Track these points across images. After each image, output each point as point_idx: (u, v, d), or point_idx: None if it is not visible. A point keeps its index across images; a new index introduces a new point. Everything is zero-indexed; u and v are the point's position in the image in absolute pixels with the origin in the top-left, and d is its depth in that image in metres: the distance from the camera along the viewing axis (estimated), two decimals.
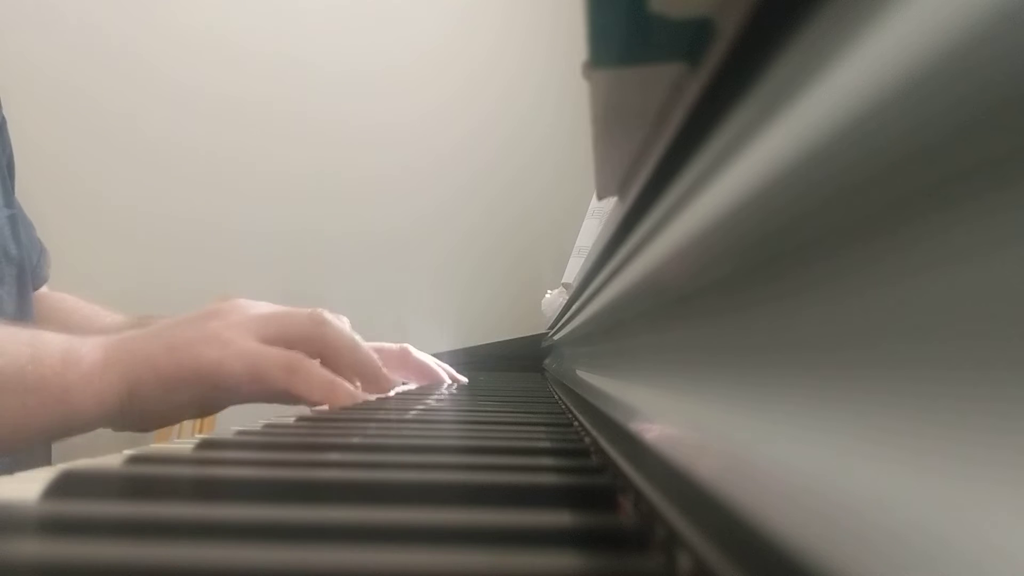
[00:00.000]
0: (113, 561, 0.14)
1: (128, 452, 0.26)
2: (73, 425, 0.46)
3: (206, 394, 0.48)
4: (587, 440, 0.34)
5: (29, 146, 0.76)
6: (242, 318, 0.50)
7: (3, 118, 0.72)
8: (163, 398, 0.47)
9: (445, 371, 0.74)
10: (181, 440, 0.31)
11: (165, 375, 0.47)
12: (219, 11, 1.69)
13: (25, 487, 0.21)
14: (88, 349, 0.47)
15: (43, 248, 0.77)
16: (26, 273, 0.68)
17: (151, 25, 1.68)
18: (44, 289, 0.78)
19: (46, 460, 0.55)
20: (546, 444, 0.33)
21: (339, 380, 0.50)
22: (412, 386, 0.75)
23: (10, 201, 0.68)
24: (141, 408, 0.47)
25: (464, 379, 0.77)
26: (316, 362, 0.50)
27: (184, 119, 1.67)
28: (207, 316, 0.50)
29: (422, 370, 0.70)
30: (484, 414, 0.48)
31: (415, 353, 0.70)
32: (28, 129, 0.77)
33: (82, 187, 1.64)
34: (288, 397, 0.49)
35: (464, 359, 0.77)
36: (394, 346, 0.69)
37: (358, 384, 0.53)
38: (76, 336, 0.48)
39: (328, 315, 0.52)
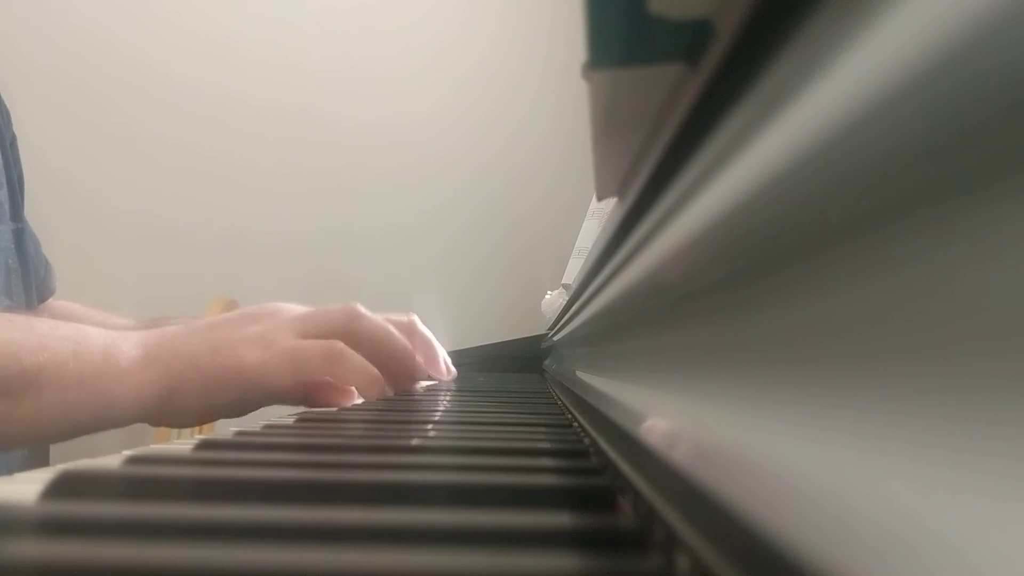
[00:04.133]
0: (112, 562, 0.14)
1: (127, 452, 0.26)
2: (111, 420, 0.47)
3: (247, 395, 0.49)
4: (586, 441, 0.34)
5: (31, 151, 0.77)
6: (280, 320, 0.51)
7: (13, 135, 0.72)
8: (204, 397, 0.48)
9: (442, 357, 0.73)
10: (181, 440, 0.31)
11: (208, 375, 0.48)
12: (225, 15, 1.69)
13: (24, 487, 0.21)
14: (129, 346, 0.48)
15: (48, 263, 0.78)
16: (31, 286, 0.68)
17: (155, 29, 1.67)
18: (52, 300, 0.79)
19: (44, 460, 0.55)
20: (545, 445, 0.33)
21: (378, 373, 0.51)
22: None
23: (18, 216, 0.69)
24: (181, 405, 0.48)
25: (454, 371, 0.76)
26: (355, 352, 0.51)
27: (186, 122, 1.67)
28: (247, 320, 0.51)
29: (425, 344, 0.69)
30: (484, 415, 0.48)
31: (420, 327, 0.69)
32: (29, 134, 0.77)
33: (88, 189, 1.64)
34: (323, 393, 0.50)
35: (464, 359, 0.76)
36: (402, 316, 0.68)
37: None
38: (117, 332, 0.49)
39: (362, 308, 0.53)
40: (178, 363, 0.48)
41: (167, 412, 0.48)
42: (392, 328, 0.54)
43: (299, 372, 0.49)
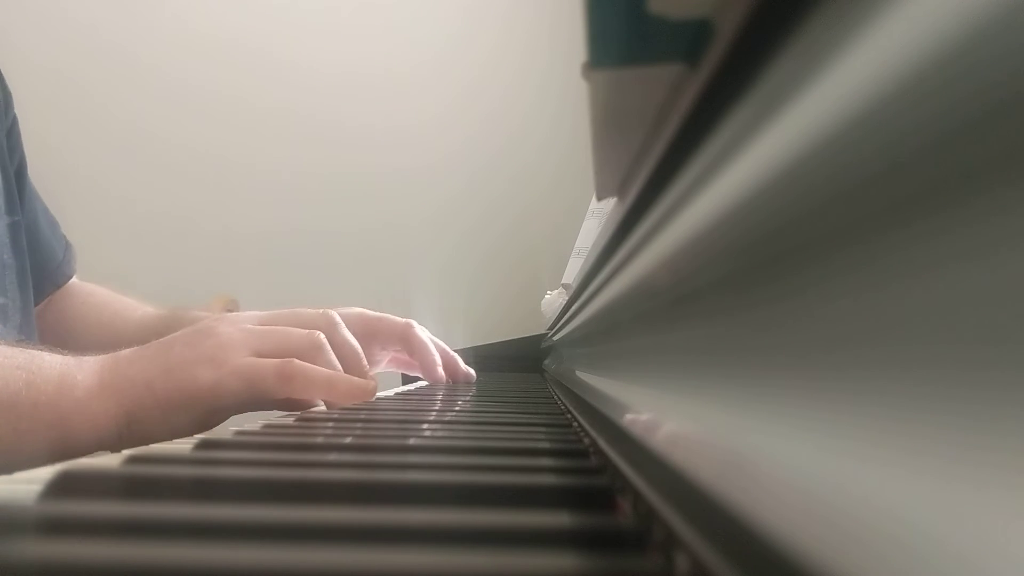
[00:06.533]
0: (112, 561, 0.14)
1: (127, 452, 0.26)
2: (68, 449, 0.46)
3: (206, 415, 0.48)
4: (586, 441, 0.34)
5: (35, 147, 0.76)
6: (237, 334, 0.49)
7: (15, 117, 0.70)
8: (163, 421, 0.47)
9: (450, 360, 0.70)
10: (181, 440, 0.31)
11: (163, 399, 0.47)
12: (228, 17, 1.69)
13: (24, 487, 0.21)
14: (84, 375, 0.47)
15: (68, 243, 0.76)
16: (27, 279, 0.67)
17: (159, 29, 1.68)
18: (75, 280, 0.77)
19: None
20: (545, 445, 0.33)
21: (336, 374, 0.49)
22: (413, 387, 0.74)
23: (14, 209, 0.67)
24: (141, 431, 0.46)
25: (472, 372, 0.73)
26: (308, 364, 0.49)
27: (189, 122, 1.67)
28: (202, 334, 0.49)
29: (421, 352, 0.65)
30: (484, 414, 0.48)
31: (418, 332, 0.66)
32: (32, 131, 0.76)
33: (89, 188, 1.64)
34: (290, 404, 0.49)
35: (464, 359, 0.76)
36: (399, 321, 0.65)
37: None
38: (73, 359, 0.48)
39: (323, 340, 0.51)
40: (134, 390, 0.47)
41: (127, 439, 0.47)
42: (342, 377, 0.51)
43: (253, 390, 0.47)
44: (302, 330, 0.51)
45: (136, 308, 0.74)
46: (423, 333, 0.67)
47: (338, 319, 0.54)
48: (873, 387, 0.11)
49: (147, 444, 0.47)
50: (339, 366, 0.52)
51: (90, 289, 0.77)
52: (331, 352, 0.51)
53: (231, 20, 1.69)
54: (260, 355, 0.49)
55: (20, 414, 0.44)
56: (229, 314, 0.53)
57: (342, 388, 0.49)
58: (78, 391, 0.46)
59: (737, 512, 0.13)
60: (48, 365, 0.46)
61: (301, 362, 0.48)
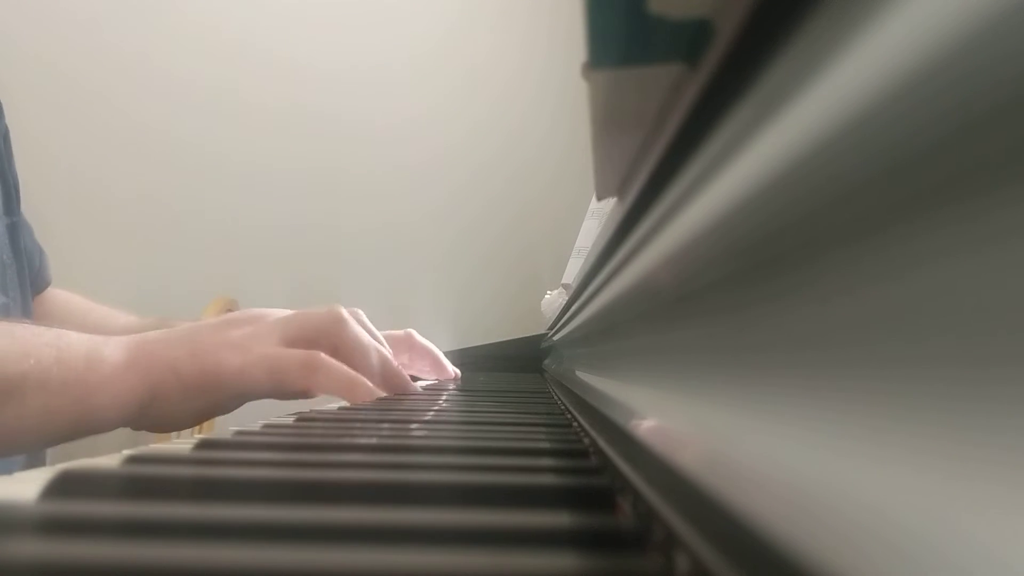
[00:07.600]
0: (112, 561, 0.14)
1: (127, 452, 0.26)
2: (93, 425, 0.47)
3: (225, 399, 0.49)
4: (586, 441, 0.34)
5: (32, 144, 0.76)
6: (262, 325, 0.51)
7: (6, 127, 0.71)
8: (183, 402, 0.48)
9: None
10: (180, 440, 0.31)
11: (187, 381, 0.48)
12: (225, 12, 1.69)
13: (24, 487, 0.21)
14: (110, 351, 0.47)
15: (42, 250, 0.77)
16: (26, 281, 0.68)
17: (157, 24, 1.68)
18: (50, 289, 0.78)
19: (42, 460, 0.55)
20: (545, 445, 0.33)
21: (359, 377, 0.50)
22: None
23: (11, 210, 0.68)
24: (161, 411, 0.48)
25: (457, 371, 0.78)
26: (334, 360, 0.50)
27: (189, 117, 1.67)
28: (228, 324, 0.51)
29: (427, 354, 0.71)
30: (483, 414, 0.48)
31: (419, 338, 0.71)
32: (31, 127, 0.76)
33: (87, 185, 1.64)
34: (308, 395, 0.50)
35: (464, 359, 0.77)
36: (399, 332, 0.70)
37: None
38: (99, 336, 0.48)
39: (345, 313, 0.52)
40: (158, 369, 0.47)
41: (148, 417, 0.48)
42: (371, 342, 0.54)
43: (276, 380, 0.48)
44: (323, 310, 0.52)
45: (119, 316, 0.75)
46: (423, 340, 0.72)
47: (362, 315, 0.56)
48: (873, 387, 0.11)
49: (166, 422, 0.49)
50: (364, 335, 0.53)
51: (67, 296, 0.78)
52: (354, 323, 0.53)
53: (227, 14, 1.69)
54: (286, 342, 0.50)
55: (51, 390, 0.44)
56: (249, 310, 0.54)
57: (361, 392, 0.49)
58: (106, 367, 0.47)
59: (737, 512, 0.13)
60: (76, 341, 0.47)
61: (327, 356, 0.49)
